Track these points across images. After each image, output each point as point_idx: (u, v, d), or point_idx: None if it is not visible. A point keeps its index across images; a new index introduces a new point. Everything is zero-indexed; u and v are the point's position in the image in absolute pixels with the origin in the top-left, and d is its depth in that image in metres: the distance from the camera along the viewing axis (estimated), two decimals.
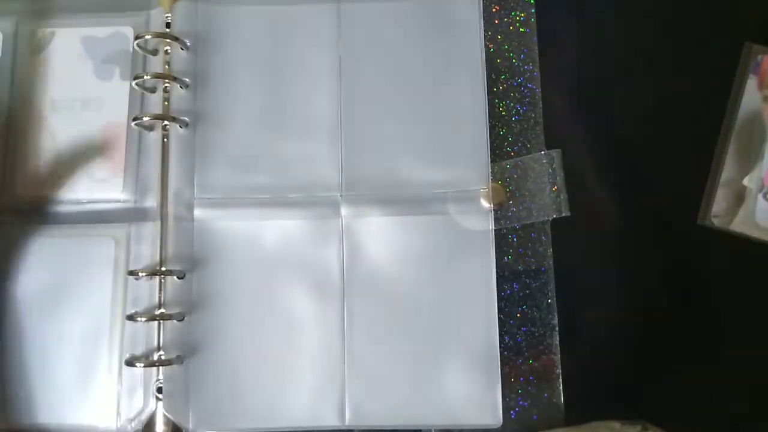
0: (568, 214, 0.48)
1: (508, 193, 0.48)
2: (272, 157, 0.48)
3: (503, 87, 0.50)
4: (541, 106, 0.49)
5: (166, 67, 0.49)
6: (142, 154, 0.49)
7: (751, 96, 0.49)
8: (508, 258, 0.48)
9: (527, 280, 0.48)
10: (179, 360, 0.46)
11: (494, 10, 0.50)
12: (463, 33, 0.49)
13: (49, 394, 0.46)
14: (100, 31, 0.51)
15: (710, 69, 0.51)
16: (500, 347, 0.46)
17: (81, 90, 0.50)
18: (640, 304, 0.48)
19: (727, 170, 0.49)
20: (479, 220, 0.47)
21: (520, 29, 0.50)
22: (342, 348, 0.46)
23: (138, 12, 0.51)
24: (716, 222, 0.49)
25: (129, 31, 0.51)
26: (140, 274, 0.46)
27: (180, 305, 0.47)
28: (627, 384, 0.48)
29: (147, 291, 0.47)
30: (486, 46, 0.49)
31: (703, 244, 0.49)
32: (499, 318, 0.46)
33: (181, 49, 0.49)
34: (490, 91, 0.48)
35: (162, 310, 0.46)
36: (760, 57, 0.50)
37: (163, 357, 0.46)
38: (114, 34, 0.51)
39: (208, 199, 0.48)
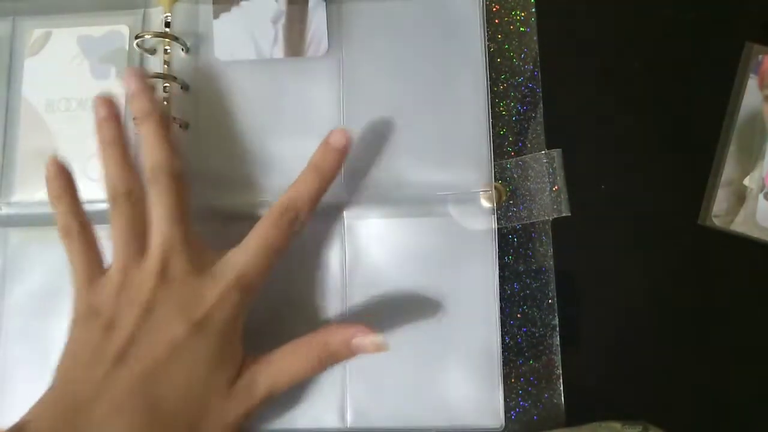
0: (569, 214, 0.47)
1: (508, 192, 0.48)
2: (273, 158, 0.48)
3: (504, 86, 0.50)
4: (541, 105, 0.49)
5: (165, 66, 0.49)
6: (139, 153, 0.48)
7: (751, 96, 0.49)
8: (508, 258, 0.48)
9: (528, 280, 0.48)
10: None
11: (494, 9, 0.50)
12: (464, 33, 0.49)
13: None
14: (96, 30, 0.51)
15: (710, 69, 0.50)
16: (501, 347, 0.46)
17: (77, 89, 0.50)
18: (640, 305, 0.48)
19: (728, 170, 0.49)
20: (481, 221, 0.47)
21: (521, 28, 0.50)
22: None
23: (134, 10, 0.51)
24: (717, 222, 0.49)
25: (125, 30, 0.50)
26: None
27: None
28: (627, 384, 0.48)
29: None
30: (486, 45, 0.49)
31: (703, 244, 0.49)
32: (500, 318, 0.46)
33: (182, 49, 0.49)
34: (490, 91, 0.48)
35: None
36: (760, 57, 0.50)
37: None
38: (110, 33, 0.51)
39: (209, 198, 0.48)
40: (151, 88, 0.45)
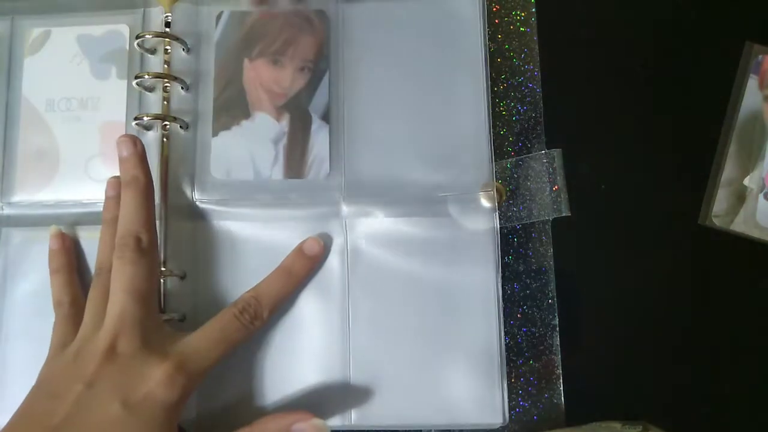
0: (569, 214, 0.47)
1: (508, 192, 0.48)
2: (274, 157, 0.48)
3: (504, 86, 0.50)
4: (541, 105, 0.49)
5: (166, 66, 0.49)
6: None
7: (751, 96, 0.49)
8: (508, 258, 0.48)
9: (528, 280, 0.48)
10: None
11: (494, 9, 0.50)
12: (464, 33, 0.49)
13: None
14: (96, 30, 0.51)
15: (710, 69, 0.51)
16: (502, 345, 0.46)
17: (78, 89, 0.50)
18: (640, 305, 0.48)
19: (728, 170, 0.49)
20: (481, 220, 0.47)
21: (521, 29, 0.50)
22: (345, 348, 0.46)
23: (134, 10, 0.50)
24: (717, 222, 0.49)
25: (125, 30, 0.50)
26: None
27: (181, 305, 0.46)
28: (627, 384, 0.48)
29: None
30: (486, 45, 0.49)
31: (703, 244, 0.49)
32: (501, 316, 0.46)
33: (182, 49, 0.49)
34: (490, 91, 0.48)
35: (163, 311, 0.46)
36: (760, 57, 0.50)
37: None
38: (110, 32, 0.50)
39: (210, 198, 0.48)
40: (142, 156, 0.45)
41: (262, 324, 0.44)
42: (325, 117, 0.48)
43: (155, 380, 0.39)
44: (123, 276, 0.41)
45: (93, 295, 0.43)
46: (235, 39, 0.49)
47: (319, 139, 0.48)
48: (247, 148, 0.48)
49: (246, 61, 0.49)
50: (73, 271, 0.46)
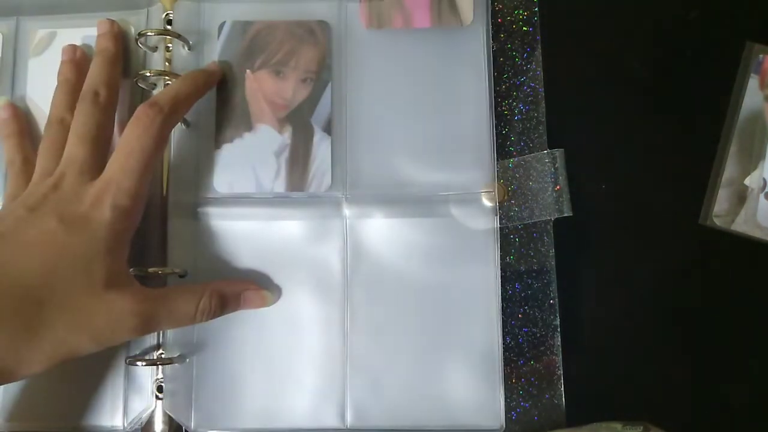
0: (570, 214, 0.47)
1: (509, 192, 0.48)
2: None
3: (506, 86, 0.50)
4: (543, 105, 0.49)
5: (167, 64, 0.49)
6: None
7: (752, 95, 0.49)
8: (510, 258, 0.48)
9: (529, 281, 0.48)
10: (181, 359, 0.46)
11: (497, 8, 0.50)
12: (467, 32, 0.49)
13: (53, 393, 0.46)
14: None
15: (710, 69, 0.51)
16: (501, 348, 0.46)
17: None
18: (641, 305, 0.48)
19: (729, 170, 0.49)
20: (483, 220, 0.47)
21: (523, 28, 0.50)
22: (344, 349, 0.46)
23: (136, 10, 0.51)
24: (718, 222, 0.49)
25: (129, 30, 0.50)
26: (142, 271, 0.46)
27: None
28: (628, 384, 0.48)
29: None
30: (489, 44, 0.49)
31: (704, 244, 0.49)
32: (501, 318, 0.46)
33: (183, 47, 0.49)
34: (492, 90, 0.48)
35: None
36: (761, 56, 0.50)
37: (164, 356, 0.46)
38: None
39: (211, 198, 0.48)
40: (117, 35, 0.49)
41: (165, 118, 0.44)
42: (327, 128, 0.49)
43: (87, 203, 0.41)
44: (76, 123, 0.44)
45: (42, 146, 0.46)
46: (237, 50, 0.49)
47: (321, 152, 0.48)
48: (249, 161, 0.48)
49: (248, 73, 0.49)
50: (25, 136, 0.48)
